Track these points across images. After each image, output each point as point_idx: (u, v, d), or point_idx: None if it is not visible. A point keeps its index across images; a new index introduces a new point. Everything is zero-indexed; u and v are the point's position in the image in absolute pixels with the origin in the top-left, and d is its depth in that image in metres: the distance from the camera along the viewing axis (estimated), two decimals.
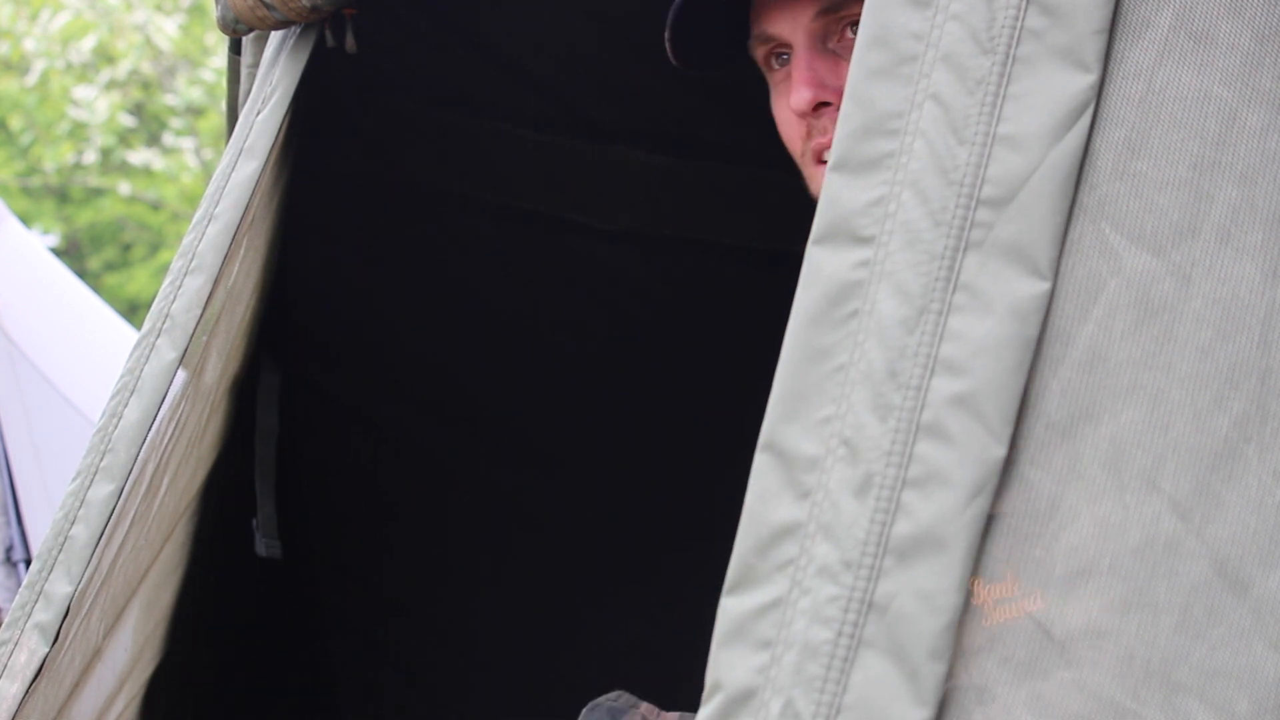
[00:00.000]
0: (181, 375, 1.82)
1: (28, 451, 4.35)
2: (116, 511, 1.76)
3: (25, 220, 9.53)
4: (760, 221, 2.59)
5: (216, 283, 1.85)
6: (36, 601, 1.72)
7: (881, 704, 1.09)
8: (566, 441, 2.75)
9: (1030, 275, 1.15)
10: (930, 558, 1.11)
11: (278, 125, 1.90)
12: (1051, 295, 1.15)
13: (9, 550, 4.21)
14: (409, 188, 2.56)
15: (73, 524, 1.74)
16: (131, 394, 1.80)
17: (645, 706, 1.70)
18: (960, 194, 1.17)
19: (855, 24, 1.50)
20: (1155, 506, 1.11)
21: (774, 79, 1.62)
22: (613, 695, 1.72)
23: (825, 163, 1.54)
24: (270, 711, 2.56)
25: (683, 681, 1.64)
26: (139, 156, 11.82)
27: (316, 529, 2.61)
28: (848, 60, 1.53)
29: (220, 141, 9.96)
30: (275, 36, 2.00)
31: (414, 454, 2.70)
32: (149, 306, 1.87)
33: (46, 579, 1.73)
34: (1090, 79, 1.18)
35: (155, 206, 12.03)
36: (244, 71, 2.23)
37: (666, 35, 1.63)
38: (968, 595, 1.11)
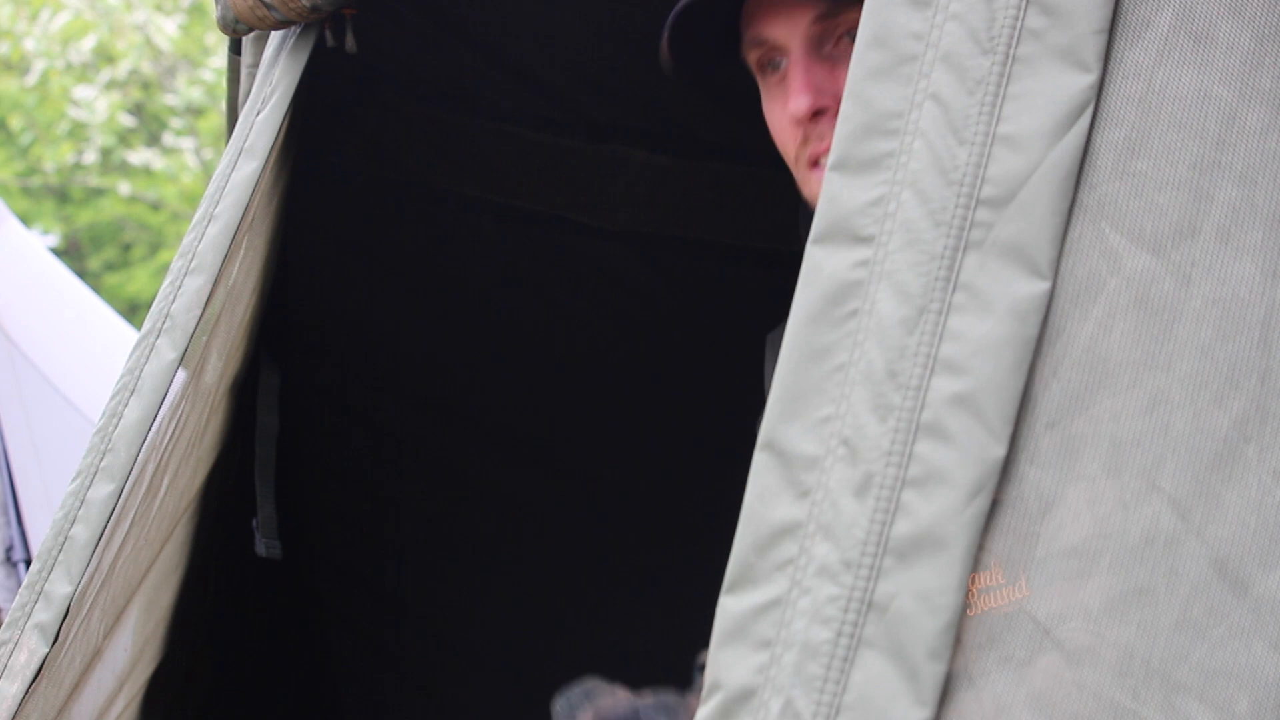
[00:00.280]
0: (181, 375, 1.82)
1: (28, 451, 4.34)
2: (116, 511, 1.76)
3: (25, 220, 9.53)
4: (760, 221, 2.59)
5: (216, 283, 1.85)
6: (36, 601, 1.72)
7: (881, 704, 1.09)
8: (566, 441, 2.75)
9: (1030, 275, 1.15)
10: (930, 557, 1.11)
11: (278, 125, 1.90)
12: (1051, 295, 1.15)
13: (9, 550, 4.20)
14: (409, 188, 2.56)
15: (73, 524, 1.74)
16: (131, 394, 1.80)
17: (617, 688, 1.71)
18: (960, 194, 1.17)
19: (851, 31, 1.51)
20: (1155, 506, 1.11)
21: (767, 83, 1.61)
22: (584, 682, 1.73)
23: (821, 167, 1.55)
24: (270, 711, 2.56)
25: (683, 681, 1.65)
26: (139, 156, 11.82)
27: (316, 529, 2.61)
28: (844, 66, 1.53)
29: (220, 141, 9.96)
30: (275, 36, 2.00)
31: (414, 454, 2.70)
32: (149, 306, 1.87)
33: (46, 579, 1.73)
34: (1090, 79, 1.18)
35: (155, 206, 12.03)
36: (244, 71, 2.23)
37: (665, 36, 1.63)
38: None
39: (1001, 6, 1.19)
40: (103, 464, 1.77)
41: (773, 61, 1.59)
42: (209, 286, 1.84)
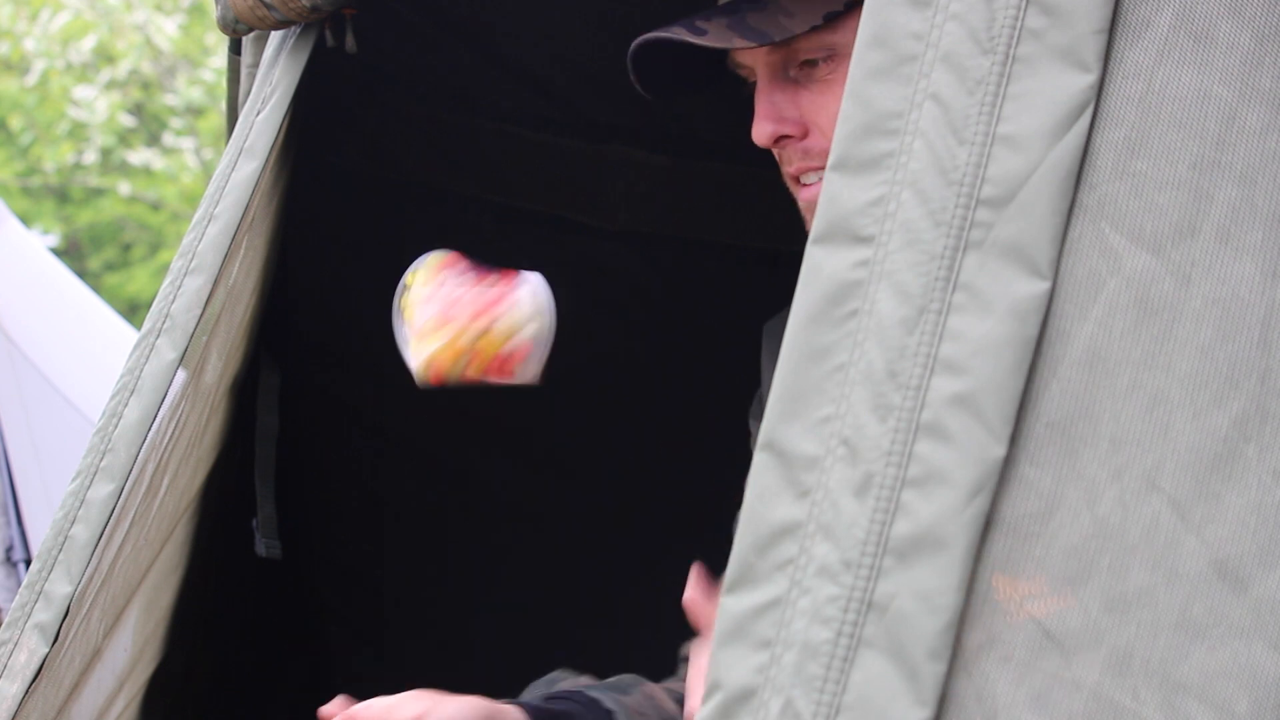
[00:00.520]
0: (181, 375, 1.82)
1: (28, 451, 4.35)
2: (116, 511, 1.76)
3: (25, 220, 9.53)
4: (760, 221, 2.59)
5: (216, 283, 1.85)
6: (36, 601, 1.72)
7: (881, 704, 1.09)
8: (566, 441, 2.75)
9: (1030, 275, 1.15)
10: (930, 557, 1.11)
11: (278, 125, 1.90)
12: (1051, 295, 1.15)
13: (9, 550, 4.21)
14: (409, 188, 2.56)
15: (73, 524, 1.74)
16: (131, 394, 1.80)
17: (584, 679, 1.72)
18: (960, 194, 1.17)
19: (810, 58, 1.55)
20: (1155, 506, 1.11)
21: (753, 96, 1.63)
22: (553, 675, 1.75)
23: (802, 184, 1.58)
24: (270, 711, 2.56)
25: (682, 681, 1.65)
26: (139, 156, 11.82)
27: (316, 529, 2.61)
28: (806, 90, 1.55)
29: (220, 141, 9.96)
30: (275, 36, 2.00)
31: (414, 454, 2.70)
32: (149, 306, 1.87)
33: (46, 579, 1.73)
34: (1090, 79, 1.18)
35: (155, 206, 12.03)
36: (244, 71, 2.23)
37: (630, 70, 1.64)
38: (987, 590, 1.11)
39: (1001, 6, 1.19)
40: (103, 464, 1.77)
41: (747, 80, 1.61)
42: (209, 286, 1.84)
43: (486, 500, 2.73)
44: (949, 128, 1.18)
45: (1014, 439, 1.13)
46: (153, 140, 12.18)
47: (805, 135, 1.56)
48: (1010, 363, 1.13)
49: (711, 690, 1.14)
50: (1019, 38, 1.18)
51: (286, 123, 1.91)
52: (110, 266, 12.29)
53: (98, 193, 12.05)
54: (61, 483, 2.03)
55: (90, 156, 11.72)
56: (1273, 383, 1.12)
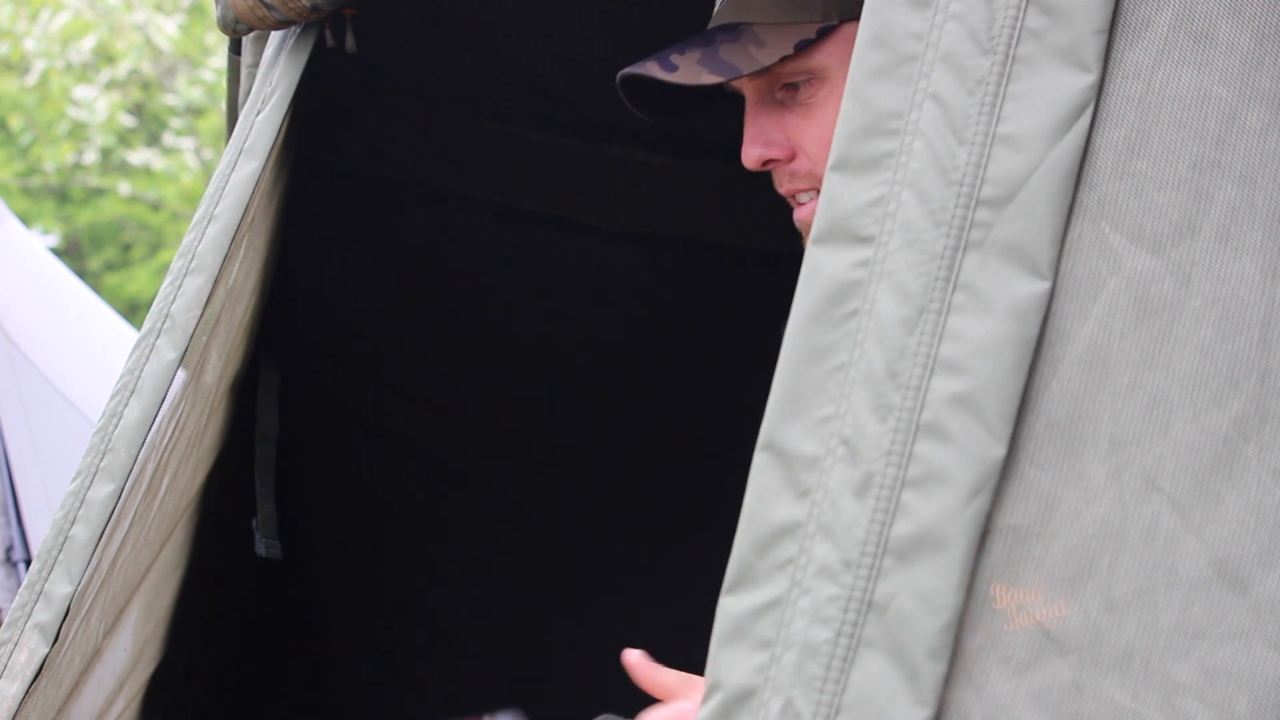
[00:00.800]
0: (181, 375, 1.82)
1: (28, 451, 4.34)
2: (116, 511, 1.76)
3: (25, 220, 9.53)
4: (760, 221, 2.59)
5: (216, 283, 1.85)
6: (36, 601, 1.72)
7: (881, 704, 1.09)
8: (566, 441, 2.75)
9: (1030, 275, 1.15)
10: (930, 558, 1.11)
11: (278, 125, 1.90)
12: (1051, 295, 1.15)
13: (9, 550, 4.20)
14: (409, 188, 2.56)
15: (73, 524, 1.74)
16: (131, 394, 1.80)
17: None
18: (960, 194, 1.17)
19: (791, 81, 1.55)
20: (1155, 506, 1.11)
21: None
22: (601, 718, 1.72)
23: (798, 203, 1.59)
24: (270, 711, 2.56)
25: None
26: (139, 156, 11.82)
27: (316, 529, 2.61)
28: (792, 112, 1.56)
29: (220, 141, 9.96)
30: (275, 36, 2.00)
31: (414, 454, 2.70)
32: (149, 306, 1.87)
33: (46, 579, 1.73)
34: (1090, 79, 1.18)
35: (155, 206, 12.03)
36: (244, 71, 2.23)
37: (620, 93, 1.64)
38: (985, 598, 1.11)
39: (1001, 6, 1.19)
40: (103, 464, 1.77)
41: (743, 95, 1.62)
42: (209, 286, 1.84)
43: (486, 500, 2.74)
44: (949, 128, 1.18)
45: (1014, 439, 1.13)
46: (153, 140, 12.18)
47: (792, 158, 1.57)
48: (1010, 363, 1.13)
49: (711, 690, 1.14)
50: (1019, 38, 1.18)
51: (286, 123, 1.91)
52: (110, 266, 12.29)
53: (98, 193, 12.05)
54: (61, 483, 2.03)
55: (90, 156, 11.72)
56: (1273, 383, 1.12)
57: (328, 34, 2.01)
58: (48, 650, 1.70)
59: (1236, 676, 1.08)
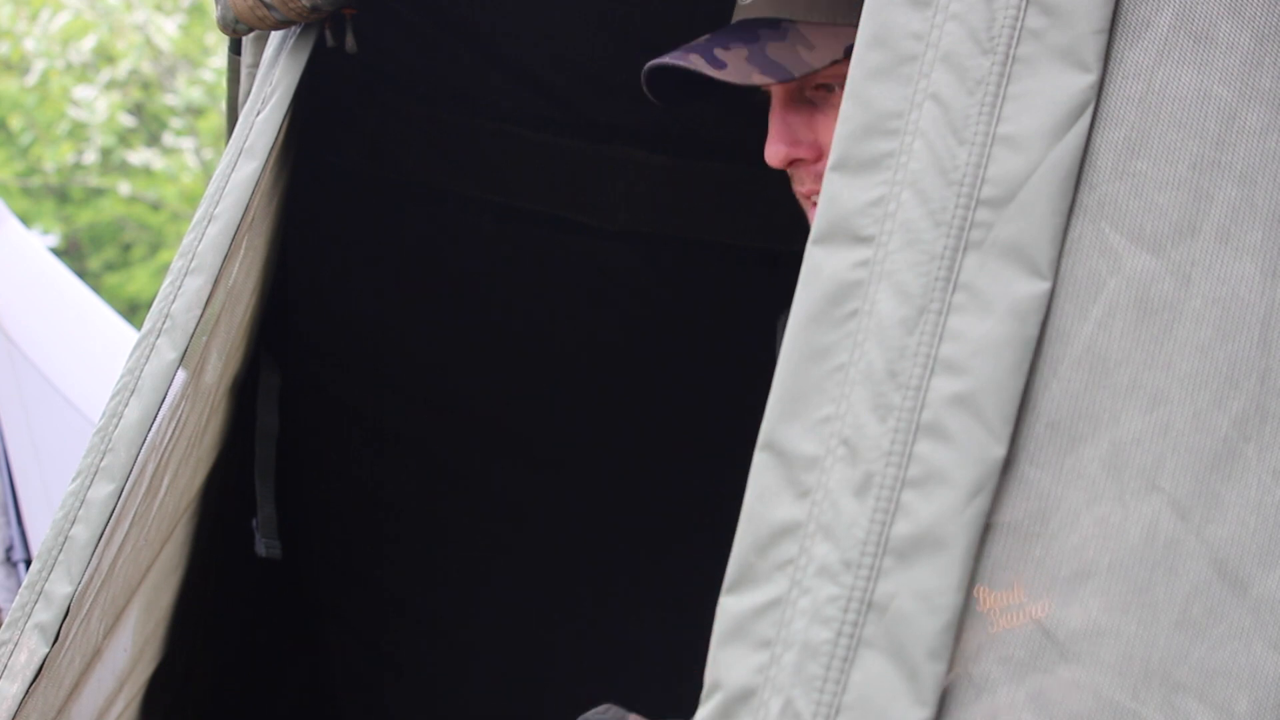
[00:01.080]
0: (181, 375, 1.82)
1: (28, 451, 4.34)
2: (116, 511, 1.76)
3: (25, 220, 9.53)
4: (760, 221, 2.59)
5: (216, 283, 1.85)
6: (36, 601, 1.72)
7: (881, 704, 1.09)
8: (566, 441, 2.75)
9: (1030, 275, 1.15)
10: (930, 558, 1.11)
11: (278, 125, 1.90)
12: (1051, 295, 1.15)
13: (9, 550, 4.20)
14: (409, 188, 2.56)
15: (73, 524, 1.74)
16: (131, 394, 1.80)
17: (634, 717, 1.70)
18: (960, 194, 1.17)
19: (825, 83, 1.54)
20: (1155, 506, 1.11)
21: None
22: (601, 709, 1.73)
23: (813, 203, 1.57)
24: (270, 711, 2.56)
25: (682, 681, 1.64)
26: (139, 156, 11.82)
27: (316, 529, 2.61)
28: (821, 113, 1.55)
29: (220, 141, 9.96)
30: (275, 36, 2.00)
31: (414, 454, 2.70)
32: (149, 306, 1.87)
33: (46, 579, 1.73)
34: (1090, 79, 1.18)
35: (155, 206, 12.03)
36: (244, 71, 2.23)
37: (644, 81, 1.63)
38: (971, 600, 1.11)
39: (1001, 6, 1.19)
40: (103, 464, 1.77)
41: (760, 89, 1.61)
42: (209, 286, 1.84)
43: (486, 500, 2.74)
44: (949, 128, 1.18)
45: (1014, 439, 1.13)
46: (153, 140, 12.17)
47: (818, 158, 1.55)
48: (1010, 363, 1.13)
49: (711, 690, 1.14)
50: (1019, 38, 1.18)
51: (286, 123, 1.91)
52: (110, 266, 12.29)
53: (98, 193, 12.04)
54: (61, 483, 2.03)
55: (90, 156, 11.72)
56: (1273, 382, 1.12)
57: (328, 34, 2.01)
58: (48, 650, 1.70)
59: (1236, 676, 1.08)
